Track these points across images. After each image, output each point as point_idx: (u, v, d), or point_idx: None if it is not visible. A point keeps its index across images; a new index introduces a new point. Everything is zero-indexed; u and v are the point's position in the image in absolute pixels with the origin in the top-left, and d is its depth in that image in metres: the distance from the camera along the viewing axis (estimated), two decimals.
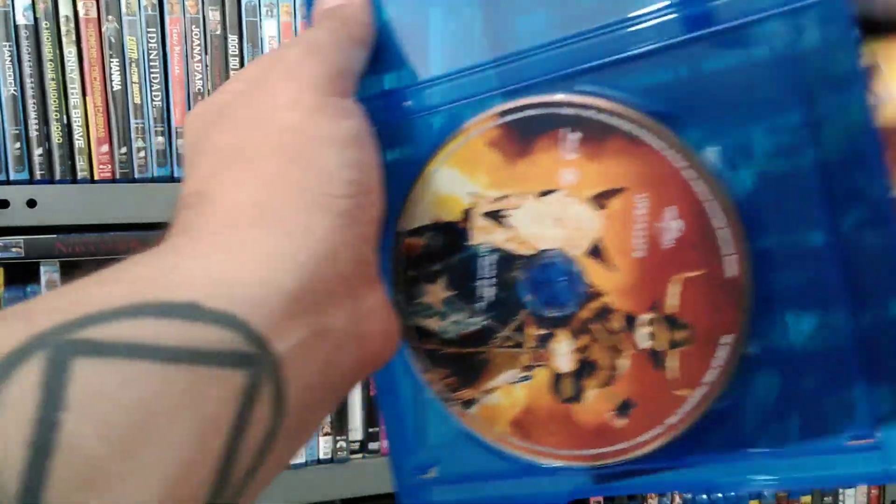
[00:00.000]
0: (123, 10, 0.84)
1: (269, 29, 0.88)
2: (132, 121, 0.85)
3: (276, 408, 0.19)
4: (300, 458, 0.93)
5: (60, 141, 0.83)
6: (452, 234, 0.26)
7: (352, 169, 0.23)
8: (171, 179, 0.86)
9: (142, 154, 0.85)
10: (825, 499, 1.14)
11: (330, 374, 0.21)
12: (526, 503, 0.27)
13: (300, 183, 0.22)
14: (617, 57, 0.24)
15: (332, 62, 0.24)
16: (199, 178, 0.23)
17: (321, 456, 0.94)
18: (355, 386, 0.24)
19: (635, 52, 0.24)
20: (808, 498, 1.13)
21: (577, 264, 0.25)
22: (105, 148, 0.84)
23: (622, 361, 0.25)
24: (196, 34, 0.86)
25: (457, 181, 0.26)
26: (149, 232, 0.86)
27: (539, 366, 0.26)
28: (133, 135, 0.85)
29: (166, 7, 0.85)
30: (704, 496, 1.08)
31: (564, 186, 0.25)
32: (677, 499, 1.07)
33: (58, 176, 0.83)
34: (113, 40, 0.84)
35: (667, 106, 0.24)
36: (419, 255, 0.27)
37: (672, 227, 0.24)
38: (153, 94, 0.85)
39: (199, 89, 0.86)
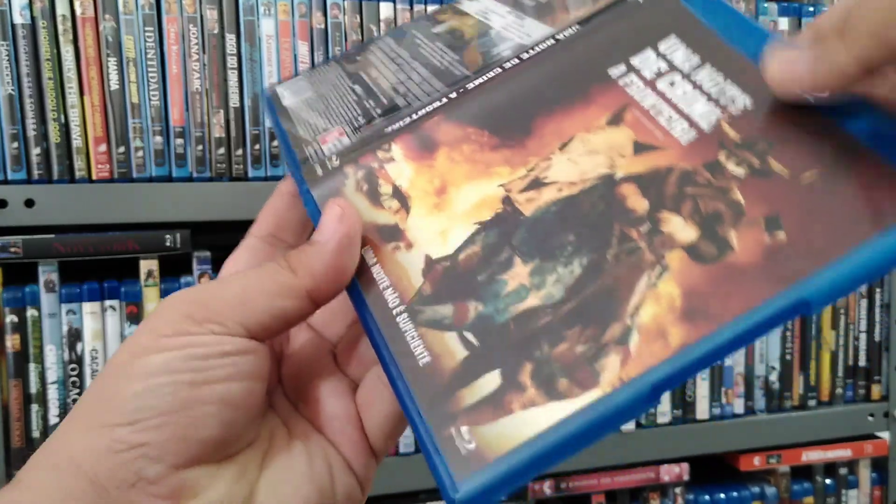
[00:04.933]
0: (121, 9, 0.83)
1: (266, 28, 0.87)
2: (130, 120, 0.85)
3: None
4: None
5: (58, 140, 0.83)
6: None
7: (140, 399, 0.25)
8: (169, 179, 0.86)
9: (140, 153, 0.85)
10: (828, 500, 1.13)
11: None
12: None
13: (89, 422, 0.25)
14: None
15: (199, 299, 0.27)
16: None
17: None
18: None
19: None
20: (810, 499, 1.12)
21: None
22: (103, 147, 0.84)
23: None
24: (194, 33, 0.86)
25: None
26: (147, 232, 0.86)
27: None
28: (131, 134, 0.85)
29: (164, 6, 0.85)
30: (706, 497, 1.08)
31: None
32: (679, 500, 1.07)
33: (56, 175, 0.83)
34: (110, 39, 0.83)
35: None
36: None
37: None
38: (151, 93, 0.85)
39: (196, 88, 0.86)
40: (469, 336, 0.26)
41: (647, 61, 0.30)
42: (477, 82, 0.32)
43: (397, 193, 0.30)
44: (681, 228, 0.26)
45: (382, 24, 0.90)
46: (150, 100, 0.85)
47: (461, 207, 0.29)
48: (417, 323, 0.27)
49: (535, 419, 0.23)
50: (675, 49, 0.29)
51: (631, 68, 0.30)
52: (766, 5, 1.04)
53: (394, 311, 0.27)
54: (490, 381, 0.24)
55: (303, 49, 0.89)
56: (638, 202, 0.27)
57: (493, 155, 0.30)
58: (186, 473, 0.25)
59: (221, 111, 0.87)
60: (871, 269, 0.22)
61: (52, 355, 0.84)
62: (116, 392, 0.26)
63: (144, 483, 0.25)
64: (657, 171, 0.27)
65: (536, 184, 0.28)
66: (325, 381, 0.31)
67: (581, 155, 0.28)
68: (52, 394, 0.84)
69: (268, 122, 0.88)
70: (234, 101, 0.87)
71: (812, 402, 1.10)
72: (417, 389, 0.25)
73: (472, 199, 0.29)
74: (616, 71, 0.30)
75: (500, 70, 0.32)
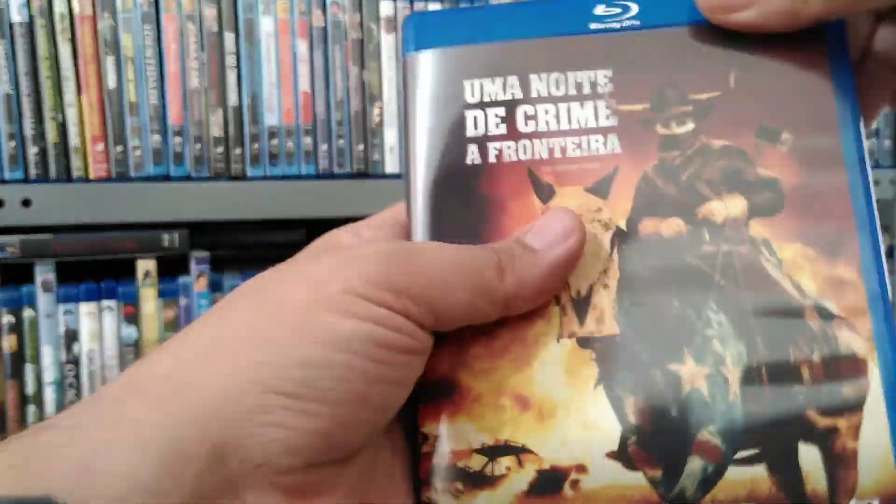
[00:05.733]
0: (119, 7, 0.83)
1: (265, 26, 0.87)
2: (128, 119, 0.84)
3: None
4: None
5: (56, 140, 0.82)
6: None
7: (310, 370, 0.21)
8: (167, 178, 0.86)
9: (137, 153, 0.84)
10: None
11: None
12: None
13: (237, 362, 0.21)
14: None
15: (377, 273, 0.22)
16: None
17: None
18: None
19: None
20: None
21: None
22: (100, 146, 0.84)
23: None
24: (192, 31, 0.85)
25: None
26: (144, 231, 0.85)
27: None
28: (129, 133, 0.84)
29: (162, 4, 0.84)
30: None
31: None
32: None
33: (53, 175, 0.83)
34: (108, 38, 0.83)
35: None
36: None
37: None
38: (149, 92, 0.84)
39: (195, 87, 0.85)
40: None
41: (480, 120, 0.27)
42: None
43: None
44: (724, 208, 0.25)
45: (382, 23, 0.90)
46: (148, 98, 0.84)
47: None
48: None
49: None
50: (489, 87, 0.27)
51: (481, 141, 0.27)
52: None
53: None
54: None
55: (302, 47, 0.88)
56: (671, 227, 0.25)
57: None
58: (315, 473, 0.21)
59: (220, 110, 0.86)
60: None
61: (48, 356, 0.83)
62: (282, 339, 0.21)
63: (270, 470, 0.20)
64: (641, 191, 0.26)
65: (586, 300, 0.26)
66: None
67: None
68: (49, 394, 0.83)
69: (267, 121, 0.87)
70: (232, 99, 0.87)
71: None
72: None
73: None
74: (469, 156, 0.27)
75: None
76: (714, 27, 0.26)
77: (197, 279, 0.86)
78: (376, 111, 0.90)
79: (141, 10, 0.83)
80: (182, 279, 0.87)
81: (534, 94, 0.27)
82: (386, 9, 0.90)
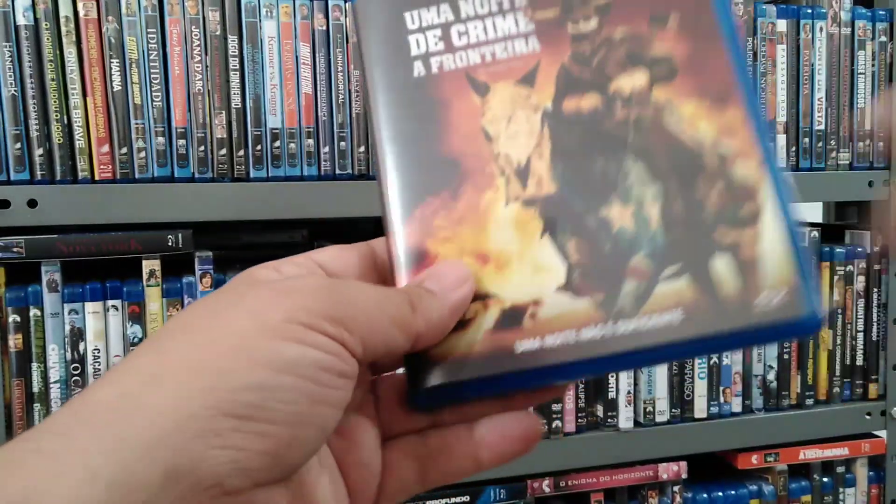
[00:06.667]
0: (123, 10, 0.84)
1: (268, 29, 0.88)
2: (132, 121, 0.85)
3: None
4: None
5: (61, 141, 0.83)
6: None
7: (260, 392, 0.22)
8: (172, 180, 0.87)
9: (142, 154, 0.85)
10: (825, 498, 1.14)
11: None
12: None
13: (184, 388, 0.21)
14: None
15: (328, 303, 0.24)
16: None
17: None
18: None
19: None
20: (807, 497, 1.13)
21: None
22: (105, 148, 0.85)
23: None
24: (196, 35, 0.86)
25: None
26: (149, 232, 0.86)
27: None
28: (133, 135, 0.85)
29: (166, 7, 0.85)
30: (704, 495, 1.08)
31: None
32: (677, 498, 1.08)
33: (58, 176, 0.84)
34: (113, 41, 0.84)
35: None
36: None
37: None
38: (153, 94, 0.85)
39: (198, 89, 0.86)
40: None
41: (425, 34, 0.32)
42: None
43: None
44: (630, 80, 0.30)
45: None
46: (152, 101, 0.85)
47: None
48: None
49: None
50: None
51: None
52: (764, 7, 1.05)
53: None
54: None
55: (304, 51, 0.89)
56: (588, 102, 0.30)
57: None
58: (261, 493, 0.23)
59: (223, 112, 0.87)
60: None
61: (54, 355, 0.84)
62: (233, 363, 0.22)
63: (220, 492, 0.21)
64: (561, 78, 0.31)
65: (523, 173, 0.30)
66: (362, 425, 0.28)
67: (508, 126, 0.31)
68: (55, 393, 0.85)
69: (270, 123, 0.88)
70: (236, 101, 0.88)
71: (809, 401, 1.11)
72: None
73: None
74: (416, 71, 0.32)
75: None
76: None
77: (201, 279, 0.88)
78: None
79: (145, 14, 0.84)
80: (186, 279, 0.88)
81: (463, 16, 0.32)
82: None
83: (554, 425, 1.00)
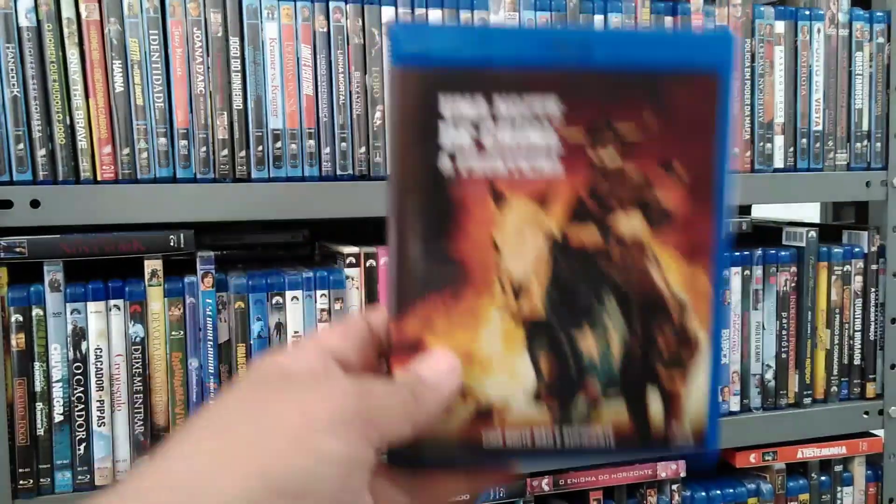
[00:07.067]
0: (126, 12, 0.84)
1: (270, 31, 0.88)
2: (135, 122, 0.85)
3: None
4: None
5: (63, 142, 0.84)
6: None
7: (307, 477, 0.27)
8: (174, 180, 0.87)
9: (144, 155, 0.86)
10: (823, 497, 1.14)
11: None
12: None
13: (246, 468, 0.26)
14: None
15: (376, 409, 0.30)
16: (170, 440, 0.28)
17: None
18: None
19: None
20: (805, 496, 1.13)
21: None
22: (108, 149, 0.85)
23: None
24: (198, 36, 0.86)
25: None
26: (151, 232, 0.87)
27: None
28: (135, 136, 0.86)
29: (168, 9, 0.85)
30: (702, 493, 1.09)
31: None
32: (675, 497, 1.08)
33: (61, 177, 0.84)
34: (115, 42, 0.84)
35: None
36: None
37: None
38: (155, 95, 0.86)
39: (200, 91, 0.87)
40: None
41: (454, 136, 0.33)
42: None
43: None
44: (627, 219, 0.33)
45: (384, 28, 0.91)
46: (154, 102, 0.86)
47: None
48: None
49: None
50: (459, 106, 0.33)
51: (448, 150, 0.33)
52: (762, 9, 1.05)
53: None
54: None
55: (305, 52, 0.90)
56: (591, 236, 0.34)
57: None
58: None
59: (225, 113, 0.88)
60: None
61: (56, 354, 0.85)
62: (283, 450, 0.27)
63: None
64: (571, 205, 0.33)
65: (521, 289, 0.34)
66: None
67: (516, 242, 0.34)
68: (57, 392, 0.85)
69: (271, 125, 0.89)
70: (237, 103, 0.88)
71: (807, 400, 1.12)
72: None
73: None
74: (444, 165, 0.33)
75: None
76: (638, 75, 0.33)
77: (202, 279, 0.88)
78: (378, 115, 0.92)
79: (147, 16, 0.85)
80: (188, 279, 0.88)
81: (495, 110, 0.33)
82: (388, 14, 0.92)
83: None
